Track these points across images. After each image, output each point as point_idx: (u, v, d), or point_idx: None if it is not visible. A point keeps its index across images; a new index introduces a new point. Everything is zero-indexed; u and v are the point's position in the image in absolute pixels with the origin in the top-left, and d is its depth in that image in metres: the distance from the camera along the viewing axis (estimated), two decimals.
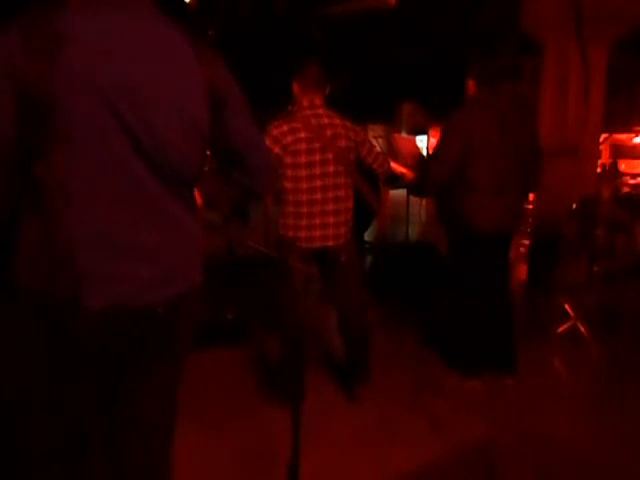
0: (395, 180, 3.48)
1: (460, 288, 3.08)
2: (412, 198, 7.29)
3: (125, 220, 1.14)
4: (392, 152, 3.26)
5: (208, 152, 1.33)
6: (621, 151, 15.59)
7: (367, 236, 6.14)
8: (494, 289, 3.06)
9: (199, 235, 1.30)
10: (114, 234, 1.13)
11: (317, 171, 2.57)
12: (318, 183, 2.57)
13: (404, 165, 3.16)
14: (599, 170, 7.02)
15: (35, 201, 1.10)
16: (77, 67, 1.06)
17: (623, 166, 11.45)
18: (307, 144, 2.54)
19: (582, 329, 3.62)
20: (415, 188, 3.35)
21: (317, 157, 2.56)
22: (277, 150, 2.50)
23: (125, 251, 1.15)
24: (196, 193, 1.36)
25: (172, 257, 1.22)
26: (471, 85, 2.98)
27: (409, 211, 7.20)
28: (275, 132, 2.52)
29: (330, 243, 2.64)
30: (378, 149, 2.90)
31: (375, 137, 5.10)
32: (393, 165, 3.07)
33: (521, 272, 4.45)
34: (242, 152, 1.34)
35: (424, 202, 11.44)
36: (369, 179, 2.87)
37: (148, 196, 1.16)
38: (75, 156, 1.08)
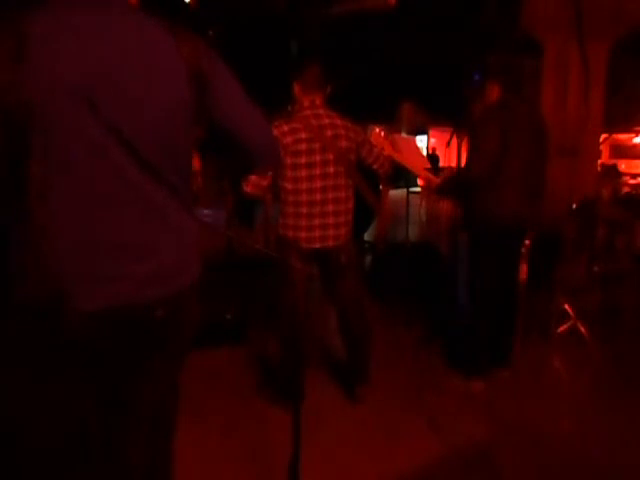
0: (395, 180, 3.46)
1: (470, 287, 3.09)
2: (412, 198, 7.27)
3: (116, 220, 1.13)
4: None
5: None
6: (621, 151, 15.63)
7: (367, 236, 6.14)
8: (505, 287, 3.08)
9: (195, 233, 1.29)
10: (104, 235, 1.12)
11: (317, 172, 2.56)
12: (318, 184, 2.57)
13: (424, 172, 3.18)
14: (599, 170, 7.01)
15: (20, 206, 1.09)
16: (48, 67, 1.04)
17: (623, 166, 11.46)
18: (307, 144, 2.54)
19: (582, 329, 3.62)
20: (443, 190, 3.29)
21: (317, 158, 2.56)
22: None
23: (118, 251, 1.14)
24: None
25: (168, 255, 1.21)
26: (495, 90, 2.96)
27: (409, 211, 7.19)
28: (275, 132, 2.51)
29: (330, 244, 2.64)
30: (378, 149, 2.90)
31: None
32: (423, 175, 3.13)
33: (521, 272, 4.44)
34: (238, 130, 1.30)
35: (424, 202, 11.45)
36: (369, 179, 2.87)
37: (139, 194, 1.14)
38: (55, 159, 1.07)
